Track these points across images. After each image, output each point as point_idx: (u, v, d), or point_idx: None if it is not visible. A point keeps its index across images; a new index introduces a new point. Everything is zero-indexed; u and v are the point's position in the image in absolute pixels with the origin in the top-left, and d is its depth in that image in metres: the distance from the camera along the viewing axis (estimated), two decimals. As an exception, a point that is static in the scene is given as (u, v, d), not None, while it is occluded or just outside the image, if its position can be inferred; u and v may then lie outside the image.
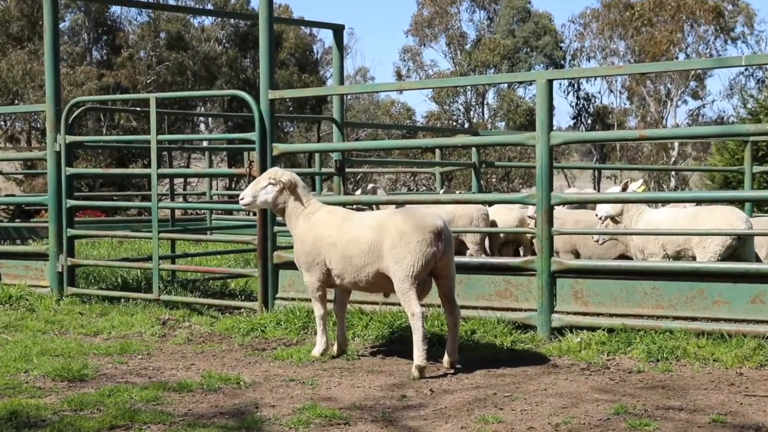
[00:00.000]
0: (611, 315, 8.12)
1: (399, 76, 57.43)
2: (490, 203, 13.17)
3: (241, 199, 7.86)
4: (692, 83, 52.38)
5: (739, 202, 12.52)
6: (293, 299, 9.52)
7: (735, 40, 53.36)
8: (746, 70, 51.62)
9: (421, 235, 6.98)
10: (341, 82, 12.54)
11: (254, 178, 9.62)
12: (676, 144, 45.41)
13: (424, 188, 34.92)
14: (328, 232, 7.47)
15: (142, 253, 15.31)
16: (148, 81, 41.25)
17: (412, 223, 7.04)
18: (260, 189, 7.80)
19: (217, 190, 31.26)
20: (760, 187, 19.88)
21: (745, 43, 53.77)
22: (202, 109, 46.37)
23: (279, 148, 9.82)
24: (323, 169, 15.49)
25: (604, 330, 7.97)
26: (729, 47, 53.34)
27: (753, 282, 7.68)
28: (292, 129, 50.70)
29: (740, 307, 7.68)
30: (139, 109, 16.47)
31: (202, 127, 50.10)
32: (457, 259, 8.35)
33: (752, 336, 7.50)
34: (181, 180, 37.65)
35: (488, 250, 13.16)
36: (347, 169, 13.79)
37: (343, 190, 12.34)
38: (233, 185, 39.72)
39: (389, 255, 7.05)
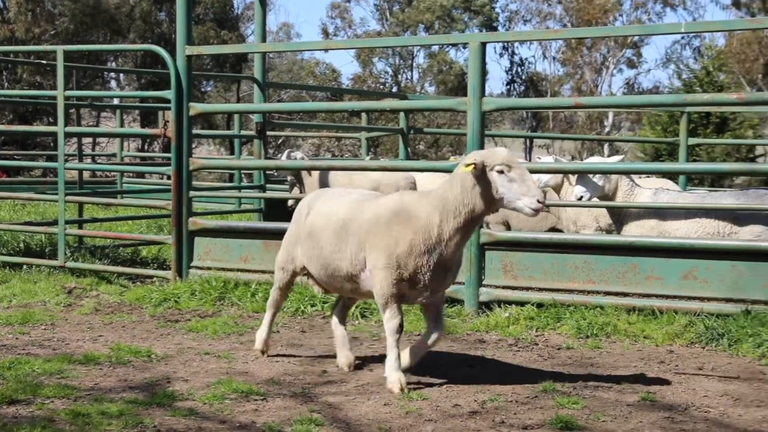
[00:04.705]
0: (541, 289, 8.23)
1: (326, 34, 57.01)
2: (418, 171, 13.20)
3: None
4: (628, 51, 53.05)
5: (672, 175, 12.77)
6: (209, 268, 9.47)
7: (674, 7, 54.15)
8: (682, 38, 52.38)
9: None
10: (263, 39, 12.43)
11: (169, 139, 9.54)
12: (610, 114, 46.00)
13: (349, 154, 34.89)
14: None
15: (47, 217, 15.05)
16: (51, 32, 40.23)
17: None
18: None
19: (128, 151, 30.84)
20: (693, 159, 20.30)
21: (686, 9, 54.67)
22: (113, 64, 45.53)
23: (196, 107, 9.71)
24: (243, 132, 15.35)
25: (533, 305, 8.08)
26: (668, 13, 54.13)
27: (686, 257, 7.85)
28: (210, 88, 50.14)
29: (673, 283, 7.85)
30: (45, 62, 16.11)
31: (113, 84, 49.25)
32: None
33: (683, 312, 7.69)
34: (90, 140, 36.97)
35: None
36: (268, 133, 13.70)
37: (263, 154, 12.27)
38: (146, 146, 39.19)
39: None
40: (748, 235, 8.73)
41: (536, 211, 5.68)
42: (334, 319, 6.68)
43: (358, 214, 6.10)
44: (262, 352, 6.86)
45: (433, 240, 5.79)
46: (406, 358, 6.08)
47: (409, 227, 5.82)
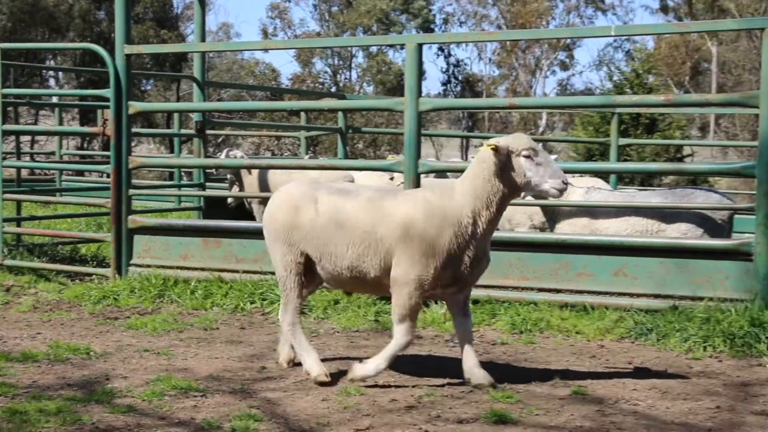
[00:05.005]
0: (476, 286, 8.24)
1: (265, 34, 56.75)
2: (357, 170, 13.20)
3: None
4: (561, 53, 53.63)
5: (603, 174, 12.92)
6: (148, 266, 9.39)
7: (605, 11, 54.94)
8: (615, 41, 53.19)
9: None
10: (203, 38, 12.33)
11: (108, 137, 9.43)
12: (544, 115, 46.42)
13: (289, 153, 34.75)
14: None
15: (-15, 215, 14.77)
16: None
17: None
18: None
19: (68, 149, 30.37)
20: (623, 159, 20.57)
21: (616, 16, 55.56)
22: (52, 62, 44.80)
23: (135, 106, 9.61)
24: (182, 131, 15.22)
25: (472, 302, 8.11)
26: (599, 16, 54.93)
27: (616, 255, 7.96)
28: (149, 87, 49.62)
29: (604, 280, 7.95)
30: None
31: (52, 82, 48.52)
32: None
33: (614, 308, 7.79)
34: (29, 138, 36.38)
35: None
36: (208, 131, 13.60)
37: (203, 152, 12.18)
38: (85, 145, 38.63)
39: None
40: (676, 233, 8.86)
41: (561, 192, 5.73)
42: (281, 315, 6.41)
43: (386, 217, 5.81)
44: (327, 379, 5.93)
45: (468, 238, 5.72)
46: (470, 363, 5.93)
47: (445, 233, 5.67)
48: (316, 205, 6.02)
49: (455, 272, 5.75)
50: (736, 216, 9.58)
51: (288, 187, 6.35)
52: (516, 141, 5.72)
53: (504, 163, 5.67)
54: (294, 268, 6.10)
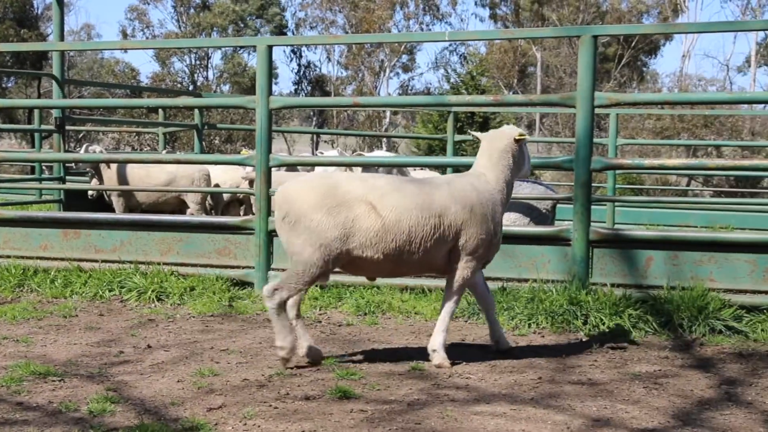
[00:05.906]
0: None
1: (124, 35, 55.40)
2: (211, 164, 13.02)
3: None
4: (404, 57, 54.25)
5: (441, 167, 13.13)
6: (8, 257, 9.01)
7: (441, 19, 56.00)
8: (450, 46, 54.20)
9: None
10: (62, 38, 11.93)
11: (-34, 132, 9.00)
12: (388, 113, 46.84)
13: (148, 148, 33.99)
14: None
15: None
16: None
17: None
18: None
19: (-72, 144, 28.90)
20: (460, 154, 20.93)
21: (449, 24, 56.77)
22: None
23: (-6, 102, 9.19)
24: (43, 126, 14.68)
25: (317, 286, 8.10)
26: (436, 23, 55.94)
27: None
28: (11, 85, 47.76)
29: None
30: None
31: None
32: (178, 218, 8.19)
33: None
34: None
35: (214, 210, 13.08)
36: (69, 127, 13.17)
37: (63, 147, 11.79)
38: (-54, 140, 36.85)
39: None
40: (505, 221, 9.05)
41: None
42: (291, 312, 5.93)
43: (451, 203, 5.70)
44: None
45: (501, 216, 6.01)
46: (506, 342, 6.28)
47: (495, 213, 5.90)
48: (374, 207, 5.59)
49: (496, 247, 6.02)
50: (559, 205, 9.88)
51: (332, 188, 5.64)
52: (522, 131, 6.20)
53: (520, 151, 6.14)
54: (326, 268, 5.67)
